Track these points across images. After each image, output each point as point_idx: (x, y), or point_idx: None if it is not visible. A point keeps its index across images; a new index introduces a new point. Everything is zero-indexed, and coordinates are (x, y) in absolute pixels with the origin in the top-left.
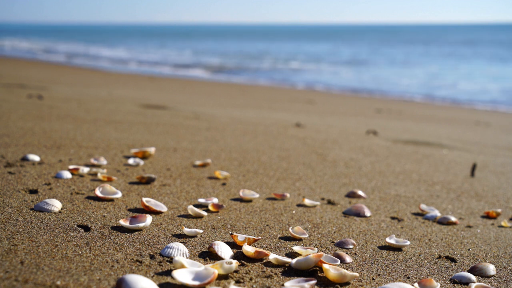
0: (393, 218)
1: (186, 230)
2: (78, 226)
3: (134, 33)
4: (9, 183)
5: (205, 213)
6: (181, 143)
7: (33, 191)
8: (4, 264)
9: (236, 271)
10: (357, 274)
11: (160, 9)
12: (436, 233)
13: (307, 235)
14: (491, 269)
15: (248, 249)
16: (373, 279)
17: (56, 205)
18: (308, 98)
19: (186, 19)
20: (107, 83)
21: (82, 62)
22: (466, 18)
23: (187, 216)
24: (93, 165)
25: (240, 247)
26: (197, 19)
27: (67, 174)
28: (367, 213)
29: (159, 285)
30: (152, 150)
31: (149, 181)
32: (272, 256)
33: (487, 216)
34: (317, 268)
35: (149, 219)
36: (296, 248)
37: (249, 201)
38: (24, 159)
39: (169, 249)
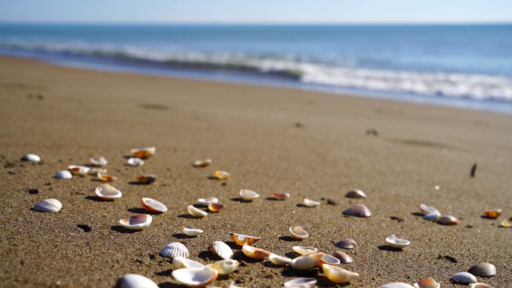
0: (393, 218)
1: (186, 230)
2: (78, 226)
3: (134, 33)
4: (9, 183)
5: (205, 213)
6: (181, 143)
7: (33, 191)
8: (4, 264)
9: (236, 271)
10: (357, 274)
11: (160, 9)
12: (436, 233)
13: (307, 235)
14: (491, 269)
15: (248, 249)
16: (373, 279)
17: (56, 205)
18: (308, 98)
19: (186, 19)
20: (107, 83)
21: None
22: (466, 18)
23: (187, 216)
24: (93, 165)
25: (240, 247)
26: (197, 19)
27: (67, 174)
28: (367, 213)
29: (159, 285)
30: (152, 150)
31: (149, 181)
32: (272, 256)
33: (487, 216)
34: (317, 268)
35: (149, 219)
36: (296, 248)
37: (249, 201)
38: (24, 159)
39: (169, 249)
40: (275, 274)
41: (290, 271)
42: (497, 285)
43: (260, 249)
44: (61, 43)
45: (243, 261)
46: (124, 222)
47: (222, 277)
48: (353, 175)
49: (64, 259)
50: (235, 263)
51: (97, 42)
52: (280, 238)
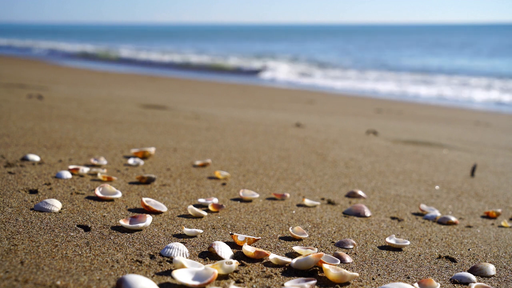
0: (393, 218)
1: (186, 230)
2: (78, 226)
3: (132, 33)
4: (9, 183)
5: (205, 213)
6: (181, 143)
7: (33, 191)
8: (4, 264)
9: (236, 271)
10: (357, 274)
11: (160, 9)
12: (436, 233)
13: (307, 235)
14: (491, 269)
15: (248, 249)
16: (373, 279)
17: (56, 205)
18: (308, 98)
19: (186, 19)
20: (107, 83)
21: None
22: (466, 18)
23: (187, 216)
24: (93, 165)
25: (240, 247)
26: (197, 19)
27: (67, 174)
28: (367, 213)
29: (159, 285)
30: (152, 150)
31: (149, 181)
32: (272, 256)
33: (487, 216)
34: (317, 268)
35: (149, 219)
36: (296, 248)
37: (249, 201)
38: (24, 159)
39: (169, 249)
40: (275, 274)
41: (290, 271)
42: (497, 285)
43: (260, 249)
44: (48, 42)
45: (243, 261)
46: (124, 222)
47: (222, 277)
48: (353, 175)
49: (64, 259)
50: (235, 263)
51: (88, 41)
52: (280, 238)
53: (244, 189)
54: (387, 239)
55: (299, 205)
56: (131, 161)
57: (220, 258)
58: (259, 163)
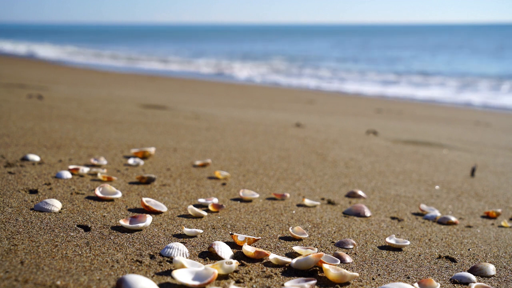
0: (393, 218)
1: (186, 230)
2: (78, 226)
3: (132, 33)
4: (9, 183)
5: (205, 213)
6: (181, 143)
7: (33, 191)
8: (4, 264)
9: (236, 271)
10: (357, 274)
11: (160, 9)
12: (436, 233)
13: (307, 235)
14: (491, 269)
15: (248, 249)
16: (373, 279)
17: (56, 205)
18: (308, 98)
19: (186, 19)
20: (107, 83)
21: None
22: (466, 18)
23: (187, 216)
24: (93, 165)
25: (240, 247)
26: (197, 19)
27: (67, 174)
28: (367, 213)
29: (159, 285)
30: (152, 150)
31: (149, 181)
32: (272, 256)
33: (487, 216)
34: (317, 268)
35: (149, 219)
36: (296, 248)
37: (249, 201)
38: (24, 159)
39: (169, 249)
40: (275, 274)
41: (290, 271)
42: (497, 285)
43: (260, 249)
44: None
45: (243, 261)
46: (124, 222)
47: (222, 277)
48: (353, 175)
49: (64, 259)
50: (235, 263)
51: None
52: (280, 238)
53: (244, 189)
54: (387, 239)
55: (299, 205)
56: (131, 161)
57: (220, 258)
58: (259, 163)
